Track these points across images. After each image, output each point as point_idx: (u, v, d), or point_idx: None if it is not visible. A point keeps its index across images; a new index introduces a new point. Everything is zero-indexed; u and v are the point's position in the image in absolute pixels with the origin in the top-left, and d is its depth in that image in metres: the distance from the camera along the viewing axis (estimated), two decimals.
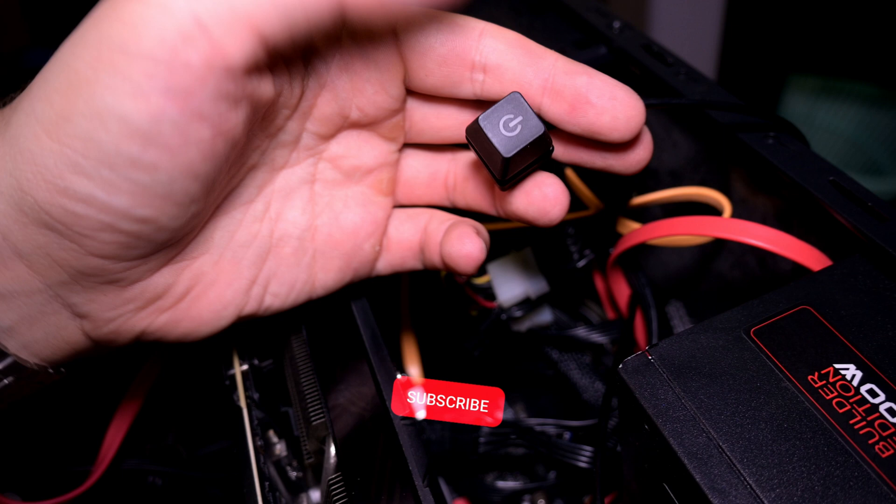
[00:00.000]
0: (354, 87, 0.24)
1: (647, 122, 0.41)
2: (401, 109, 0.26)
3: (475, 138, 0.24)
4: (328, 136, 0.26)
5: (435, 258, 0.28)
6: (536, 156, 0.24)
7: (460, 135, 0.27)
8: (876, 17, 1.25)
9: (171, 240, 0.22)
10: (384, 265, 0.29)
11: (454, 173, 0.28)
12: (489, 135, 0.22)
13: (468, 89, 0.24)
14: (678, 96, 0.34)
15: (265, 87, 0.21)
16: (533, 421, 0.32)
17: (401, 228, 0.29)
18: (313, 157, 0.26)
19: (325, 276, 0.27)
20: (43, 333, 0.23)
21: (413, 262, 0.29)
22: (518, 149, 0.22)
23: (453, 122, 0.27)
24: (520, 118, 0.22)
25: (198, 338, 0.25)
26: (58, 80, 0.19)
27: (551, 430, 0.32)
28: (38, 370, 0.24)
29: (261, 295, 0.25)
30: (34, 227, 0.20)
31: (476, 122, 0.23)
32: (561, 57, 0.24)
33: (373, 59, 0.24)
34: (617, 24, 0.40)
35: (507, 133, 0.22)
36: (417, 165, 0.28)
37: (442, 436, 0.32)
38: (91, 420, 0.34)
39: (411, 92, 0.26)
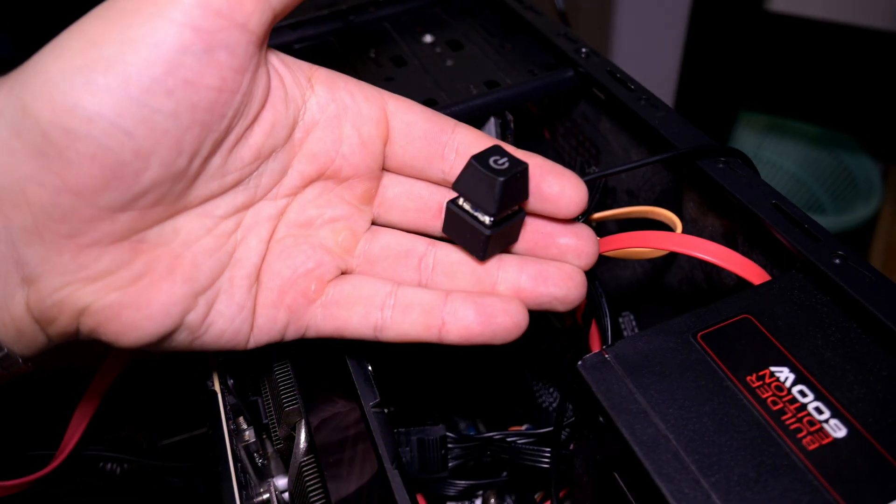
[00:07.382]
0: (343, 133, 0.27)
1: (609, 141, 0.44)
2: (377, 176, 0.28)
3: (465, 182, 0.25)
4: (309, 179, 0.27)
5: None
6: (520, 200, 0.25)
7: (427, 225, 0.29)
8: (821, 60, 1.33)
9: (147, 192, 0.23)
10: (322, 315, 0.27)
11: (434, 256, 0.28)
12: (482, 169, 0.24)
13: (438, 167, 0.27)
14: (639, 121, 0.36)
15: (263, 79, 0.24)
16: (498, 434, 0.34)
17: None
18: (289, 198, 0.27)
19: (266, 311, 0.27)
20: None
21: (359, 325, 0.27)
22: (512, 174, 0.24)
23: (422, 205, 0.28)
24: (505, 158, 0.25)
25: (137, 338, 0.24)
26: (96, 19, 0.22)
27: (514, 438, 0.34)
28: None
29: (208, 306, 0.25)
30: (23, 154, 0.21)
31: (469, 161, 0.25)
32: (519, 151, 0.27)
33: (363, 112, 0.27)
34: (584, 50, 0.42)
35: (497, 167, 0.25)
36: (388, 240, 0.29)
37: (411, 457, 0.33)
38: (56, 405, 0.34)
39: (387, 170, 0.29)
